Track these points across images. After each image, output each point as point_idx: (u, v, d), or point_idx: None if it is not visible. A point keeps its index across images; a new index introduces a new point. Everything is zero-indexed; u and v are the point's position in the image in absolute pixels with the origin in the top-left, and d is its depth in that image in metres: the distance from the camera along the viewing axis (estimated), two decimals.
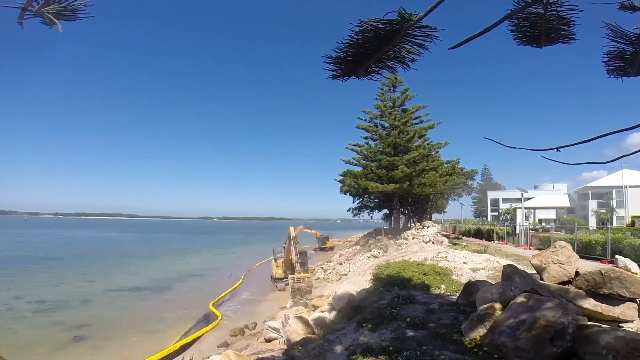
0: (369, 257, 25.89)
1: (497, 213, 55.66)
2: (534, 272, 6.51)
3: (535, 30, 1.76)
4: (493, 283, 7.86)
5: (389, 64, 1.60)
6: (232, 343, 12.02)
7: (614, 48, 1.79)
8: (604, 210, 38.59)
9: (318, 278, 24.73)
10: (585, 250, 16.86)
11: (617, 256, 6.75)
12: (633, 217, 30.44)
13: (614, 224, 31.66)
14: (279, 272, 23.14)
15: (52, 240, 57.40)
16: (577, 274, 5.58)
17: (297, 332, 8.21)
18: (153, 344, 11.88)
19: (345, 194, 36.46)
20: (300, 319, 8.74)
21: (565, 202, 47.33)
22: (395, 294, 7.94)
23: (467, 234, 33.56)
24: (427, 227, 29.56)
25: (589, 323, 4.44)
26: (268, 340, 9.80)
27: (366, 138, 33.58)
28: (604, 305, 4.69)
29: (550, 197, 49.01)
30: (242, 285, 23.21)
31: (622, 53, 1.80)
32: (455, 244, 22.91)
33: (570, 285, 5.27)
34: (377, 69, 1.64)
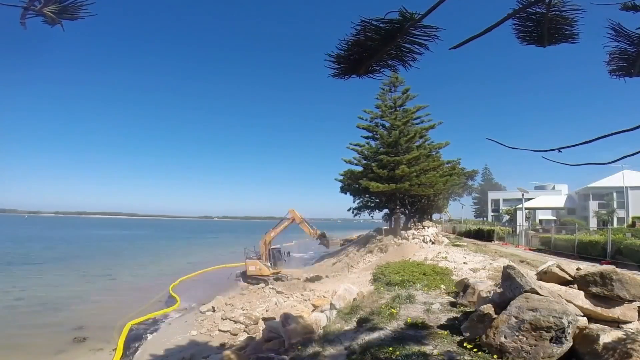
0: (368, 257, 25.89)
1: (497, 213, 55.62)
2: (534, 272, 6.51)
3: (539, 30, 1.76)
4: (493, 283, 7.87)
5: (390, 62, 1.60)
6: (231, 343, 12.03)
7: (616, 48, 1.78)
8: (605, 211, 38.56)
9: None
10: (586, 251, 16.85)
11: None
12: (634, 218, 30.37)
13: (615, 225, 31.64)
14: (252, 270, 23.71)
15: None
16: (577, 275, 5.57)
17: (297, 331, 8.21)
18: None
19: (345, 193, 36.41)
20: (300, 318, 8.74)
21: (565, 203, 47.29)
22: (395, 294, 7.95)
23: (468, 234, 33.53)
24: (428, 227, 29.55)
25: (589, 324, 4.43)
26: (268, 340, 9.79)
27: (367, 138, 33.52)
28: (604, 306, 4.69)
29: (551, 198, 48.98)
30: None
31: (624, 53, 1.79)
32: (455, 245, 22.90)
33: (570, 286, 5.26)
34: (378, 68, 1.64)
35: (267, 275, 23.16)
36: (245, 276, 23.94)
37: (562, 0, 1.66)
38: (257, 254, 25.42)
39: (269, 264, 24.23)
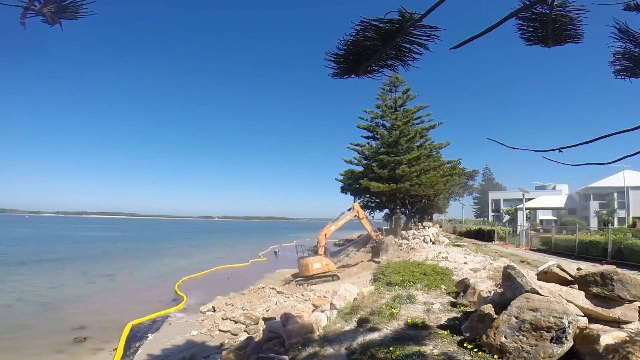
0: (368, 257, 25.88)
1: (498, 213, 55.61)
2: (535, 272, 6.50)
3: (543, 30, 1.75)
4: (493, 283, 7.86)
5: (389, 62, 1.60)
6: (231, 343, 12.02)
7: (621, 48, 1.77)
8: (605, 211, 38.54)
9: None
10: (586, 251, 16.84)
11: None
12: (634, 218, 30.34)
13: (615, 225, 31.62)
14: (317, 267, 20.73)
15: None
16: (578, 275, 5.55)
17: (297, 331, 8.21)
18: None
19: (346, 193, 36.50)
20: (300, 318, 8.74)
21: (566, 203, 47.26)
22: (396, 294, 7.95)
23: (468, 234, 33.51)
24: (428, 228, 29.55)
25: (590, 324, 4.42)
26: (268, 340, 9.79)
27: (367, 138, 33.53)
28: (604, 306, 4.68)
29: (551, 198, 48.96)
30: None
31: (629, 54, 1.78)
32: (455, 245, 22.88)
33: (571, 286, 5.25)
34: (377, 68, 1.63)
35: (334, 271, 20.83)
36: (306, 277, 20.41)
37: (566, 0, 1.65)
38: (309, 250, 23.10)
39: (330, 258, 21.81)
